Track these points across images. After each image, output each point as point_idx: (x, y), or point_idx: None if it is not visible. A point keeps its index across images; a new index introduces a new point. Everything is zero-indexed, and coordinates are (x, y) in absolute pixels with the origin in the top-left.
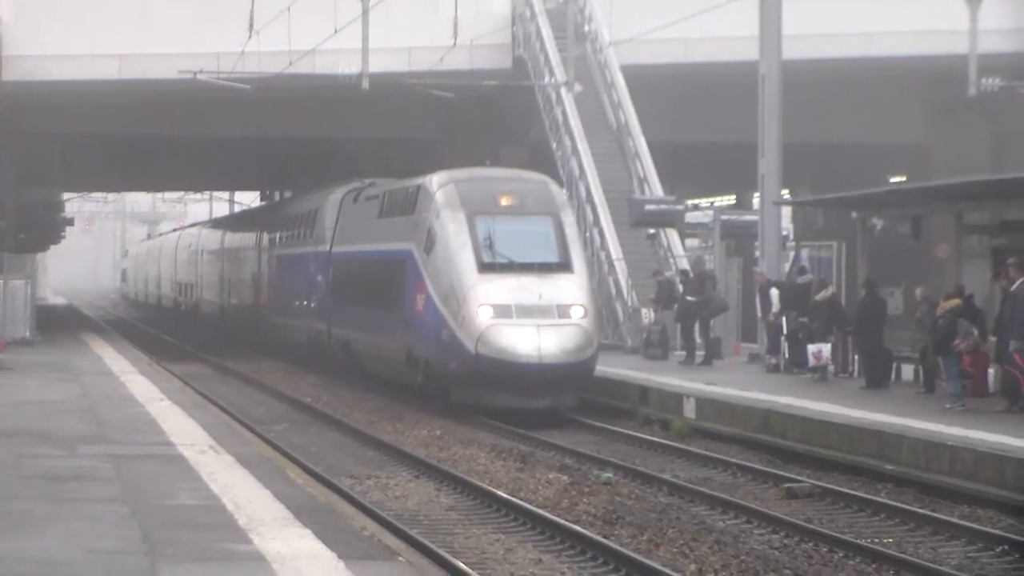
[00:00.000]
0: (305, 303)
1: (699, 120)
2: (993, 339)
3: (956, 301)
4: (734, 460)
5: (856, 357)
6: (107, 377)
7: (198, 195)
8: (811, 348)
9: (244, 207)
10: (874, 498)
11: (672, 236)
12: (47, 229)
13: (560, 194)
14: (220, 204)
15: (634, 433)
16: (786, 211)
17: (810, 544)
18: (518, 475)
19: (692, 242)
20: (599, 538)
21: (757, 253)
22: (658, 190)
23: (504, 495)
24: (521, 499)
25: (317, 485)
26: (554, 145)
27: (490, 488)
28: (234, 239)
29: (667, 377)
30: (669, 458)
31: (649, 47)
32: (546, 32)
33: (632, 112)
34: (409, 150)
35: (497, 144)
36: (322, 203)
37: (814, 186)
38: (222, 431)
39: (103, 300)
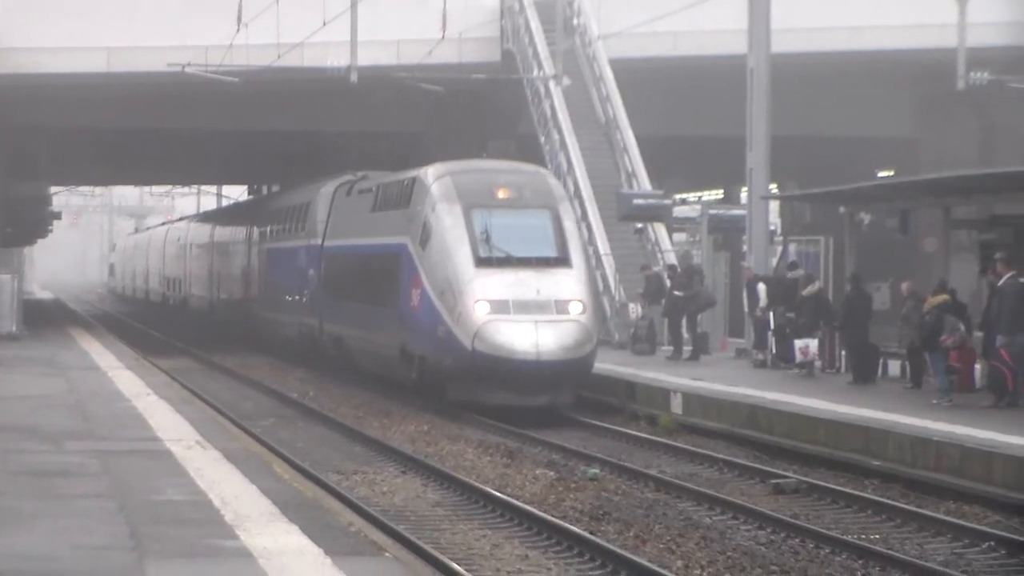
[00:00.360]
0: (296, 298)
1: (687, 114)
2: (980, 334)
3: (944, 296)
4: (721, 456)
5: (843, 352)
6: (94, 372)
7: (186, 189)
8: (798, 343)
9: (232, 201)
10: (861, 494)
11: (660, 230)
12: (34, 223)
13: (558, 187)
14: (208, 198)
15: (621, 429)
16: (774, 205)
17: (796, 540)
18: (505, 471)
19: (680, 236)
20: (586, 534)
21: (745, 248)
22: (646, 184)
23: (491, 491)
24: (508, 495)
25: (304, 480)
26: (542, 139)
27: (477, 484)
28: (223, 233)
29: (654, 372)
30: (656, 454)
31: (638, 40)
32: (535, 25)
33: (620, 106)
34: (397, 143)
35: (485, 138)
36: (313, 196)
37: (802, 180)
38: (209, 426)
39: (90, 294)
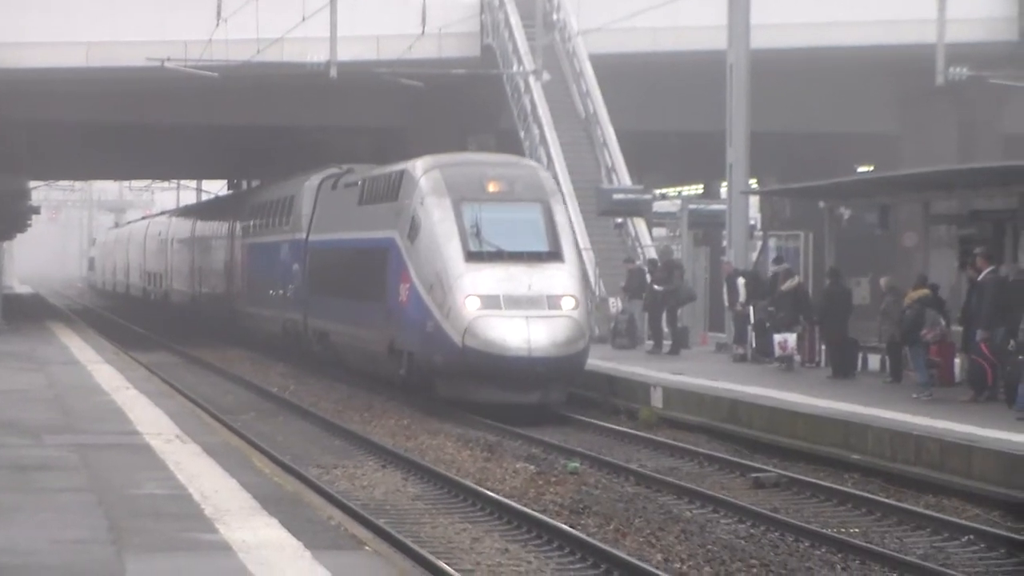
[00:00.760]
0: (280, 293)
1: (667, 109)
2: (959, 329)
3: (924, 291)
4: (701, 450)
5: (823, 347)
6: (73, 366)
7: (165, 184)
8: (776, 338)
9: (212, 196)
10: (840, 488)
11: (640, 225)
12: (13, 217)
13: (549, 180)
14: (187, 193)
15: (601, 423)
16: (754, 200)
17: (776, 534)
18: (485, 464)
19: (660, 231)
20: (566, 528)
21: (725, 242)
22: (626, 179)
23: (471, 484)
24: (488, 488)
25: (284, 474)
26: (522, 134)
27: (457, 478)
28: (206, 227)
29: (634, 366)
30: (636, 448)
31: (617, 36)
32: (514, 20)
33: (600, 101)
34: (377, 138)
35: (466, 133)
36: (298, 190)
37: (782, 175)
38: (189, 420)
39: (70, 289)
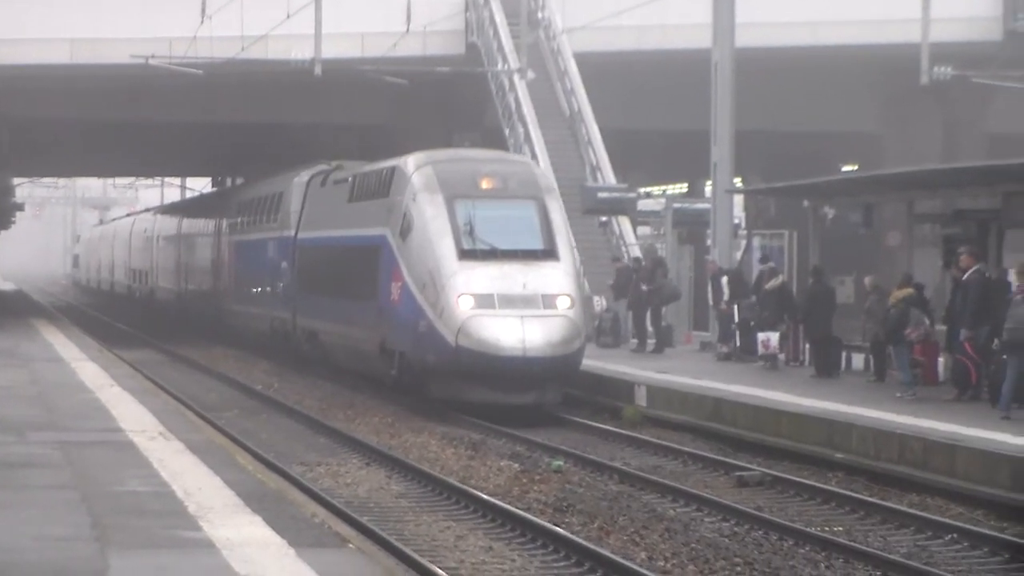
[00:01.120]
0: (268, 291)
1: (652, 108)
2: (943, 328)
3: (909, 290)
4: (685, 448)
5: (807, 346)
6: (57, 363)
7: (149, 181)
8: (760, 336)
9: (196, 193)
10: (824, 486)
11: (624, 224)
12: None
13: (544, 177)
14: (172, 190)
15: (585, 421)
16: (738, 199)
17: (760, 532)
18: (469, 463)
19: (644, 230)
20: (550, 526)
21: (709, 241)
22: (610, 178)
23: (455, 483)
24: (472, 487)
25: (267, 472)
26: (507, 132)
27: (441, 475)
28: (191, 224)
29: (619, 365)
30: (620, 446)
31: (602, 34)
32: (499, 19)
33: (585, 99)
34: (362, 136)
35: (450, 130)
36: (286, 186)
37: (766, 174)
38: (172, 417)
39: (54, 286)
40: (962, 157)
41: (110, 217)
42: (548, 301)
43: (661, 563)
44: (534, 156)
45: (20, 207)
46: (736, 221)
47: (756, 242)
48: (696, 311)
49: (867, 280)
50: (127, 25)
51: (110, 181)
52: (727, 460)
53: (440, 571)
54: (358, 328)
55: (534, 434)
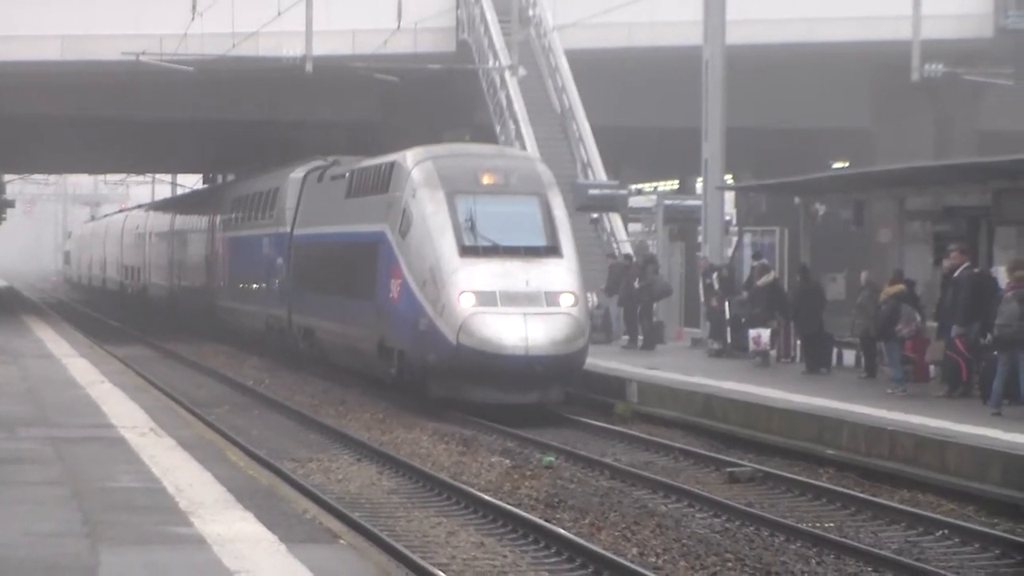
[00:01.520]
0: (264, 288)
1: (643, 105)
2: (934, 324)
3: (900, 287)
4: (676, 444)
5: (798, 342)
6: (48, 360)
7: (140, 177)
8: (751, 333)
9: (187, 189)
10: (815, 482)
11: (615, 221)
12: None
13: (547, 172)
14: (162, 187)
15: (576, 417)
16: (729, 196)
17: (751, 528)
18: (460, 459)
19: (635, 227)
20: (541, 521)
21: (700, 238)
22: (601, 175)
23: (447, 479)
24: (463, 483)
25: (259, 468)
26: (498, 129)
27: (432, 471)
28: (185, 221)
29: (610, 361)
30: (611, 442)
31: (593, 31)
32: (490, 16)
33: (576, 96)
34: (353, 133)
35: (441, 127)
36: (282, 182)
37: (757, 171)
38: (163, 414)
39: (45, 283)
40: (953, 154)
41: (101, 213)
42: (551, 298)
43: (652, 559)
44: None
45: (11, 204)
46: (727, 218)
47: (747, 239)
48: (687, 308)
49: (863, 275)
50: (118, 22)
51: (101, 178)
52: (718, 456)
53: (431, 567)
54: (356, 326)
55: (525, 430)
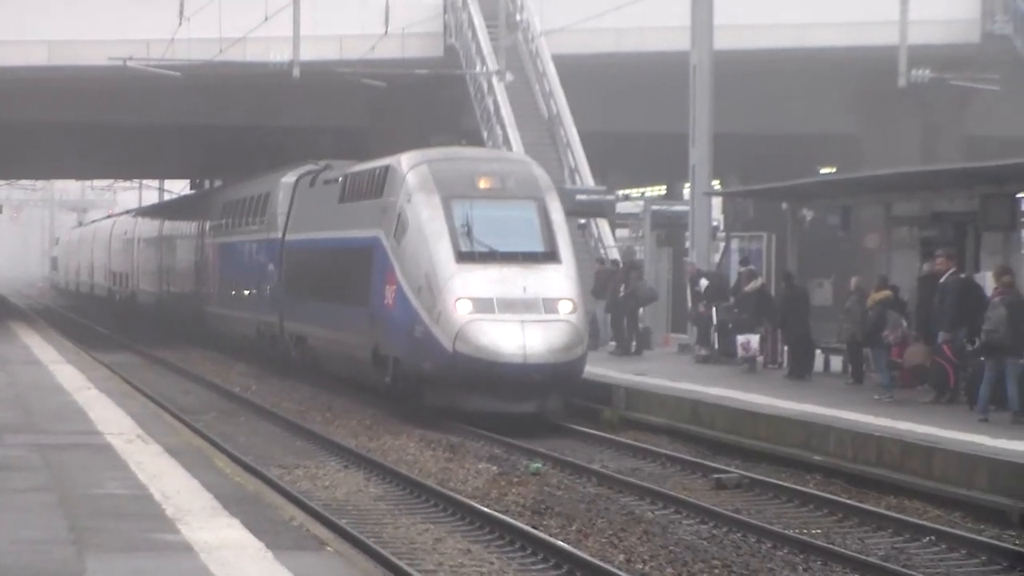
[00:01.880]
0: (255, 294)
1: (630, 110)
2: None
3: (887, 292)
4: (663, 451)
5: (785, 348)
6: (35, 366)
7: (127, 183)
8: (740, 339)
9: (174, 195)
10: (802, 489)
11: (603, 226)
12: None
13: (544, 177)
14: (150, 192)
15: (563, 423)
16: (717, 202)
17: (738, 534)
18: (447, 465)
19: (623, 232)
20: (528, 528)
21: (688, 244)
22: (589, 180)
23: (433, 485)
24: (450, 489)
25: (245, 475)
26: (485, 134)
27: (419, 478)
28: (174, 226)
29: (597, 367)
30: (598, 448)
31: (581, 36)
32: (477, 21)
33: (563, 102)
34: (340, 138)
35: (429, 132)
36: (273, 187)
37: (745, 177)
38: (150, 420)
39: (31, 289)
40: (940, 159)
41: (89, 219)
42: (549, 305)
43: (639, 566)
44: None
45: None
46: (715, 223)
47: (735, 244)
48: (675, 313)
49: (853, 280)
50: (105, 27)
51: (88, 183)
52: (705, 462)
53: (418, 574)
54: (350, 333)
55: (512, 437)
